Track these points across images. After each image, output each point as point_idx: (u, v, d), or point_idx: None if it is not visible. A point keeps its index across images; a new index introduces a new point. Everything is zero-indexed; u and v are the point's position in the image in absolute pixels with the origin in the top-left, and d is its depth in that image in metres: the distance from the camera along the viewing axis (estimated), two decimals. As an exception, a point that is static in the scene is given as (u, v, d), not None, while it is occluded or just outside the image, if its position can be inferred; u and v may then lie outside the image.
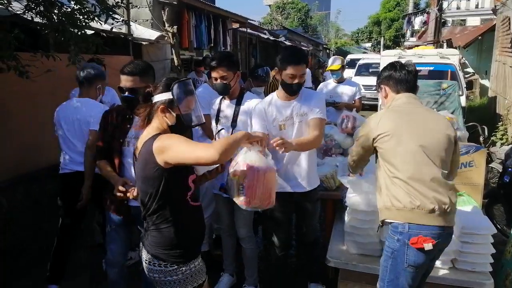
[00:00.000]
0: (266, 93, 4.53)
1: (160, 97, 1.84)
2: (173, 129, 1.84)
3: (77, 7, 3.68)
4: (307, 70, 5.69)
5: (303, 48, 22.40)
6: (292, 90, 2.61)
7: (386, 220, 2.09)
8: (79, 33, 3.63)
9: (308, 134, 2.60)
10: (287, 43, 18.99)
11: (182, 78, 1.90)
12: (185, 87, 1.85)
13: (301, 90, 2.66)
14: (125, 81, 2.33)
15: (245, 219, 2.93)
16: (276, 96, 2.74)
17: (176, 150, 1.69)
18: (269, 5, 45.83)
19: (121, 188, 2.21)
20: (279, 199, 2.88)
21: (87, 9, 3.74)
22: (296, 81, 2.57)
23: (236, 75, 2.80)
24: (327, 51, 34.49)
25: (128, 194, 2.19)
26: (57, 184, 3.17)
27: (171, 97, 1.81)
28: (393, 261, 2.05)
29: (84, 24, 3.73)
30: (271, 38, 17.13)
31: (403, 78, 2.20)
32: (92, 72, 3.10)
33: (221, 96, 2.92)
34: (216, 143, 1.69)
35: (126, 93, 2.34)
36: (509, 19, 10.05)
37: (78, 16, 3.67)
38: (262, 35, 16.16)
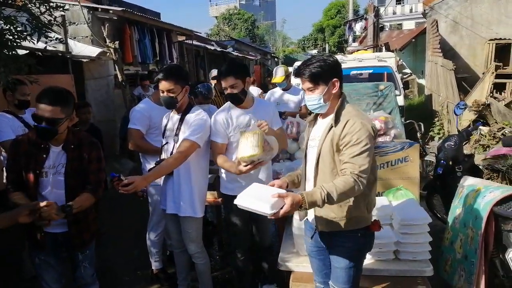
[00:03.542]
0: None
1: None
2: None
3: (7, 27, 3.51)
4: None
5: (251, 57, 22.74)
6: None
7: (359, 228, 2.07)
8: (10, 53, 3.46)
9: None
10: (235, 53, 19.20)
11: None
12: None
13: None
14: (44, 110, 2.15)
15: (192, 235, 2.87)
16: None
17: None
18: (216, 17, 46.16)
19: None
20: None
21: (18, 28, 3.58)
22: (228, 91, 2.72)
23: (185, 89, 2.74)
24: (276, 59, 35.18)
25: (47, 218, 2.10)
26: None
27: None
28: (359, 257, 2.14)
29: (15, 44, 3.57)
30: (219, 49, 17.23)
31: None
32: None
33: (171, 110, 2.85)
34: None
35: (43, 124, 2.17)
36: (437, 21, 10.85)
37: (8, 36, 3.50)
38: (209, 47, 16.22)
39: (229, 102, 2.83)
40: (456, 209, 3.22)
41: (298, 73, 2.05)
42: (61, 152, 2.33)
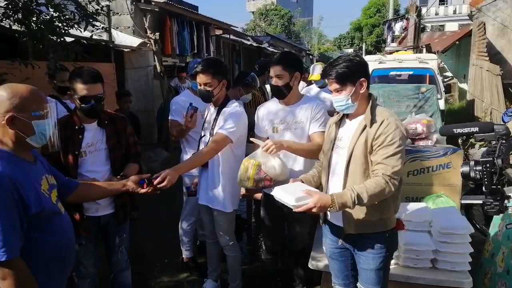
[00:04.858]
0: (251, 103, 4.51)
1: None
2: None
3: (56, 15, 3.65)
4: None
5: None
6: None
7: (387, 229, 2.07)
8: (58, 40, 3.59)
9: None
10: (271, 49, 19.14)
11: None
12: None
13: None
14: (91, 89, 2.22)
15: (224, 227, 2.87)
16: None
17: None
18: (252, 12, 46.16)
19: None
20: (269, 204, 2.88)
21: (66, 16, 3.71)
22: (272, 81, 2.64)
23: (222, 83, 2.70)
24: (310, 57, 34.83)
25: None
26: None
27: None
28: (388, 257, 2.10)
29: (63, 31, 3.70)
30: (254, 44, 17.24)
31: None
32: None
33: (210, 103, 2.84)
34: None
35: (93, 101, 2.25)
36: (484, 24, 10.37)
37: (57, 23, 3.63)
38: (245, 42, 16.25)
39: None
40: (499, 221, 3.07)
41: (325, 74, 2.03)
42: (97, 129, 2.39)
